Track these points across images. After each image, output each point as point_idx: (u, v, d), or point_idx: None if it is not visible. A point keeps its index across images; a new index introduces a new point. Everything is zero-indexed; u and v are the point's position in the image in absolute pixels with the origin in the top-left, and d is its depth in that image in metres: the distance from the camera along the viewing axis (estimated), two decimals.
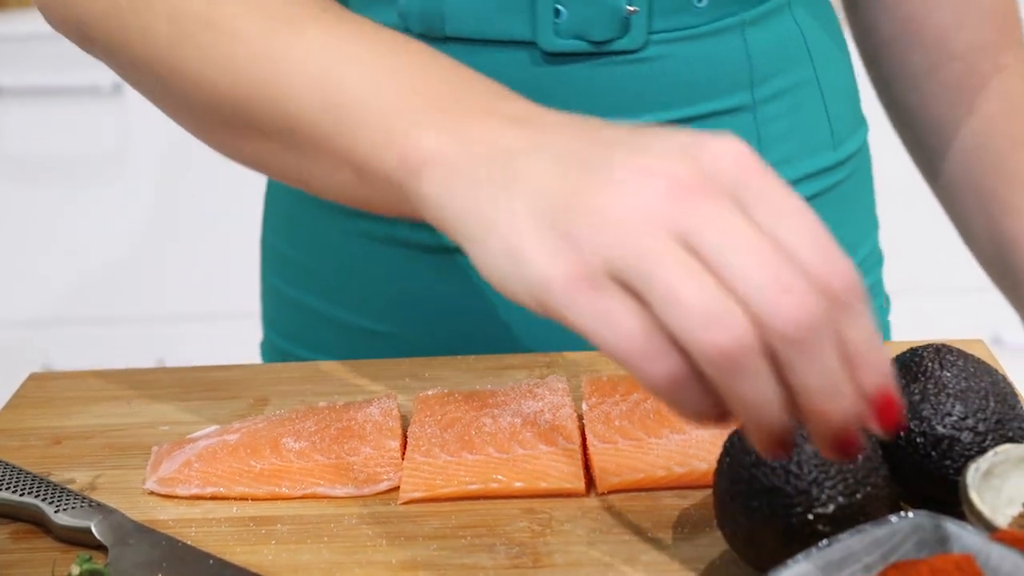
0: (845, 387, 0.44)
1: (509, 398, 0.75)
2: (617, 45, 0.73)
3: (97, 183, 1.94)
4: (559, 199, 0.45)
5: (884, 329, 0.95)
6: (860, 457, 0.56)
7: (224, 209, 1.89)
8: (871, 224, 0.93)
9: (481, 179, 0.47)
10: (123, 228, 1.96)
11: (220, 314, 1.96)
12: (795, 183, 0.80)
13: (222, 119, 0.57)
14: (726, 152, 0.45)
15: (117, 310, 2.00)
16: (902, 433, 0.60)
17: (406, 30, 0.74)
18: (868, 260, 0.91)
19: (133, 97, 1.54)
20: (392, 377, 0.82)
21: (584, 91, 0.74)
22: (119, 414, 0.79)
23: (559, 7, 0.71)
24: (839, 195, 0.85)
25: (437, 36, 0.73)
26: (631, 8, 0.72)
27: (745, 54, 0.78)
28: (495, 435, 0.71)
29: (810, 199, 0.81)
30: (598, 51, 0.73)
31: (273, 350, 0.95)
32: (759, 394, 0.44)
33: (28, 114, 1.90)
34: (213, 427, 0.75)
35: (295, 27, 0.54)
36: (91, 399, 0.80)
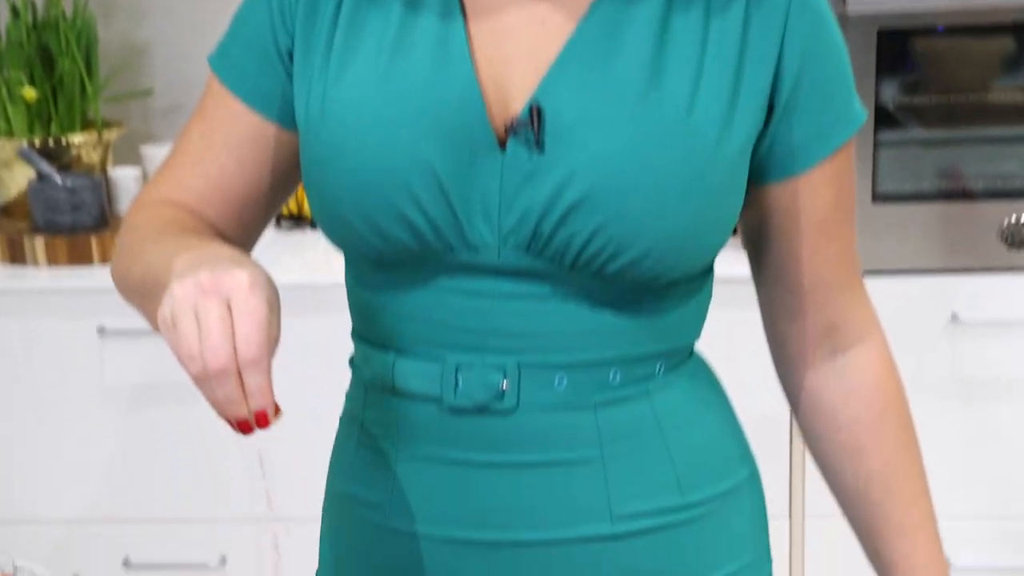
0: (240, 404, 0.86)
1: None
2: (496, 406, 1.04)
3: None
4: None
5: None
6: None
7: None
8: (742, 547, 1.12)
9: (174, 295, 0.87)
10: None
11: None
12: (640, 515, 1.06)
13: (135, 290, 1.03)
14: (234, 277, 0.86)
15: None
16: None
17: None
18: (742, 572, 1.12)
19: None
20: None
21: (474, 434, 1.06)
22: None
23: (458, 378, 1.04)
24: (689, 531, 1.08)
25: (387, 387, 1.07)
26: (505, 386, 1.04)
27: (595, 424, 1.05)
28: None
29: (656, 528, 1.07)
30: (484, 408, 1.04)
31: None
32: (212, 398, 0.86)
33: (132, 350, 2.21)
34: None
35: (154, 244, 1.02)
36: None
